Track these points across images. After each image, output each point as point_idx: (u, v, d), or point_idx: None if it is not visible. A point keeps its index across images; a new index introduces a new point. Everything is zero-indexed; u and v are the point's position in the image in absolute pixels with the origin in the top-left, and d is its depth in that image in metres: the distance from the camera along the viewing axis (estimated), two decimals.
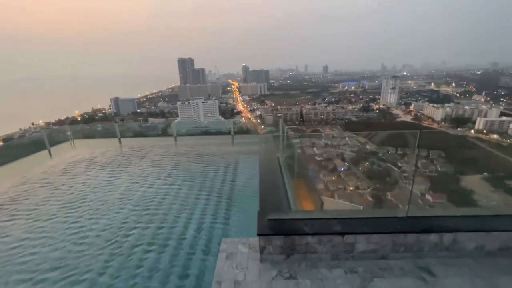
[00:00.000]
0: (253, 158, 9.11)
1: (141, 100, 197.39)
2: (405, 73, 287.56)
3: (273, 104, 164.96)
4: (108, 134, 11.41)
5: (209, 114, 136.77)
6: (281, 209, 4.63)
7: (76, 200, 6.77)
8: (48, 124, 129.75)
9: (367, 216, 3.58)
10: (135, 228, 5.53)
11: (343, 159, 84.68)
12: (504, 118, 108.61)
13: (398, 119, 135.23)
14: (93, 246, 5.04)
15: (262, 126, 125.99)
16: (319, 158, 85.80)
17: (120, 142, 11.14)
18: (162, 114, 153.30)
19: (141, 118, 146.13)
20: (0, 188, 7.74)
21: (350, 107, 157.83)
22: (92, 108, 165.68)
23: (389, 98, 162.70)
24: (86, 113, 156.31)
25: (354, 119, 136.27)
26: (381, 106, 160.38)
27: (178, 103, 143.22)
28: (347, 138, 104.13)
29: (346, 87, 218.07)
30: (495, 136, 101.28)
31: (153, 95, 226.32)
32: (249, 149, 9.99)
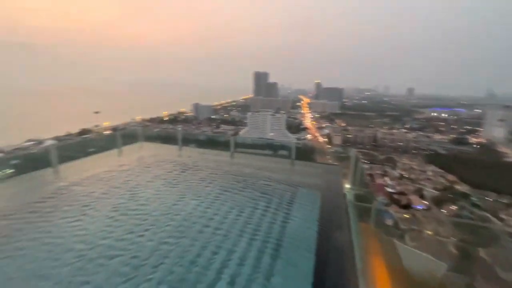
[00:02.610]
0: (314, 193, 7.61)
1: (217, 107, 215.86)
2: None
3: (343, 124, 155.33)
4: (173, 140, 11.83)
5: (275, 127, 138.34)
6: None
7: (122, 203, 6.65)
8: (143, 120, 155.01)
9: None
10: (160, 264, 4.70)
11: (422, 196, 71.70)
12: None
13: (505, 159, 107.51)
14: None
15: (329, 146, 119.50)
16: (391, 190, 75.06)
17: (180, 150, 11.34)
18: (233, 122, 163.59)
19: (214, 124, 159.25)
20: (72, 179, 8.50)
21: (437, 136, 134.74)
22: (177, 110, 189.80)
23: (495, 132, 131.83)
24: (172, 114, 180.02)
25: (442, 151, 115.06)
26: (481, 140, 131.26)
27: (249, 113, 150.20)
28: (430, 173, 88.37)
29: (434, 114, 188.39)
30: None
31: (228, 104, 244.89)
32: (310, 181, 8.51)
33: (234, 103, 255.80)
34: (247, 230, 5.74)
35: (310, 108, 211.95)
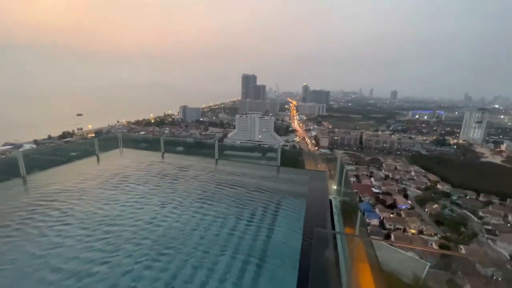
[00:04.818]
0: (300, 201, 7.44)
1: (205, 110, 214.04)
2: (496, 106, 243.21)
3: (330, 126, 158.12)
4: (158, 144, 11.41)
5: (264, 129, 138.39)
6: None
7: (97, 215, 6.23)
8: (129, 122, 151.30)
9: None
10: (137, 283, 4.37)
11: (406, 196, 73.48)
12: None
13: (482, 159, 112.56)
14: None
15: (316, 148, 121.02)
16: (376, 190, 76.55)
17: (163, 157, 10.91)
18: (221, 125, 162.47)
19: (203, 126, 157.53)
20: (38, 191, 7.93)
21: (420, 138, 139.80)
22: (164, 113, 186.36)
23: (473, 133, 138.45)
24: (158, 116, 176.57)
25: (424, 152, 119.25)
26: (460, 141, 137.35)
27: (237, 115, 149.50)
28: (413, 173, 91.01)
29: (417, 116, 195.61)
30: None
31: (216, 106, 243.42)
32: (296, 188, 8.34)
33: (223, 105, 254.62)
34: (230, 242, 5.47)
35: (298, 110, 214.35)
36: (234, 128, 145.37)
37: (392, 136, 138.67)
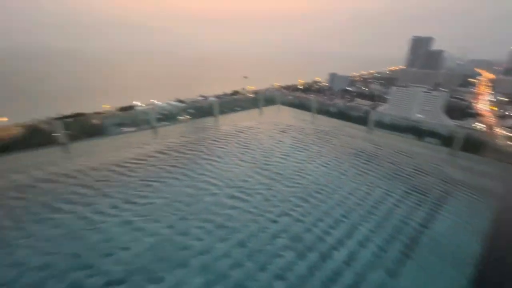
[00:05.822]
0: (483, 198, 5.61)
1: (355, 78, 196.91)
2: None
3: None
4: (305, 108, 12.31)
5: (426, 108, 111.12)
6: None
7: (263, 159, 7.64)
8: (280, 87, 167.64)
9: None
10: (282, 217, 5.07)
11: None
12: None
13: None
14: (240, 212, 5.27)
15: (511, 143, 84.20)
16: None
17: (313, 117, 11.47)
18: (370, 97, 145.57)
19: (349, 97, 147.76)
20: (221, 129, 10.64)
21: None
22: (313, 80, 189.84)
23: None
24: (307, 82, 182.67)
25: None
26: None
27: (393, 87, 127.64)
28: None
29: None
30: None
31: (369, 76, 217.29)
32: (479, 182, 6.26)
33: (378, 75, 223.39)
34: (372, 215, 5.12)
35: (493, 86, 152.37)
36: (386, 102, 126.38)
37: None
